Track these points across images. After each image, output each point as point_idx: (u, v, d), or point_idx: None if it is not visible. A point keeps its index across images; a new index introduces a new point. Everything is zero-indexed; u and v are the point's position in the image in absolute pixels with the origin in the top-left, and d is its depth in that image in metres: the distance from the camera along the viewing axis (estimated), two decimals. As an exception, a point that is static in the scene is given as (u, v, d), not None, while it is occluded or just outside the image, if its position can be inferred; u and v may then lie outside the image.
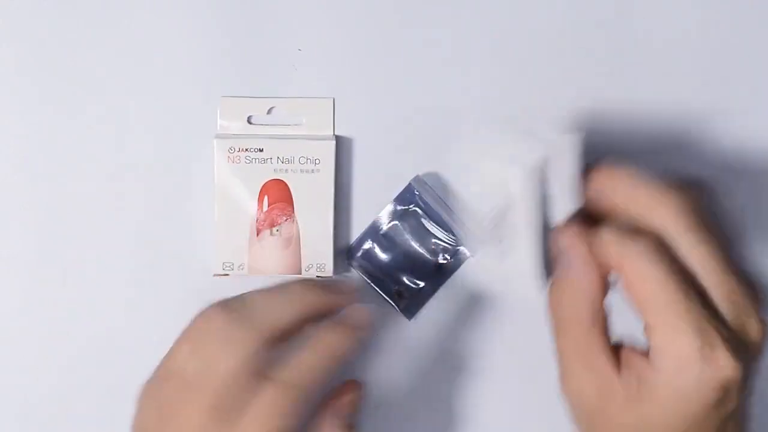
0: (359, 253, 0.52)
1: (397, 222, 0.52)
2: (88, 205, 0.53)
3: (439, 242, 0.52)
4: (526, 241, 0.43)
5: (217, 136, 0.52)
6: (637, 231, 0.41)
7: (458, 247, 0.52)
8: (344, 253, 0.53)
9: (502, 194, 0.43)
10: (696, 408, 0.40)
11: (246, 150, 0.52)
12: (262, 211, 0.52)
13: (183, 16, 0.52)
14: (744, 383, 0.40)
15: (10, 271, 0.53)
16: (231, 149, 0.51)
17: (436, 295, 0.53)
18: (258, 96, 0.53)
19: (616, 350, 0.42)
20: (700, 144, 0.53)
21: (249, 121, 0.52)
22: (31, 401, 0.53)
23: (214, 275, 0.51)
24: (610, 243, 0.41)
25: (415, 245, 0.52)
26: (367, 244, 0.52)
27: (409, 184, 0.52)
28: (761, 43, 0.53)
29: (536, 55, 0.53)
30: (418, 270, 0.52)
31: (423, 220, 0.52)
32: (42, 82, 0.52)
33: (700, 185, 0.43)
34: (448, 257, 0.52)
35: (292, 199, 0.52)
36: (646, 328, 0.41)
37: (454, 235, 0.52)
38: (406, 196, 0.52)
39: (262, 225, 0.52)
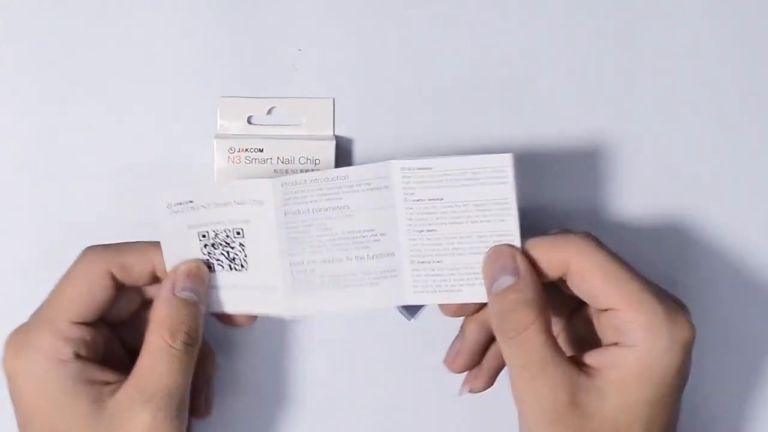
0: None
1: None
2: (88, 205, 0.53)
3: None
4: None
5: (217, 136, 0.52)
6: (573, 232, 0.45)
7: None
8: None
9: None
10: (668, 373, 0.42)
11: (246, 150, 0.52)
12: (262, 211, 0.52)
13: (183, 16, 0.52)
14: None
15: (10, 271, 0.53)
16: (231, 149, 0.51)
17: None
18: (258, 96, 0.53)
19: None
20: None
21: (249, 121, 0.52)
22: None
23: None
24: (551, 245, 0.44)
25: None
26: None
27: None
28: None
29: (537, 59, 0.53)
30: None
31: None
32: (42, 82, 0.52)
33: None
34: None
35: (292, 199, 0.52)
36: (606, 314, 0.43)
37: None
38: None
39: (262, 225, 0.52)
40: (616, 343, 0.43)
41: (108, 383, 0.45)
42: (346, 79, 0.53)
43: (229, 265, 0.46)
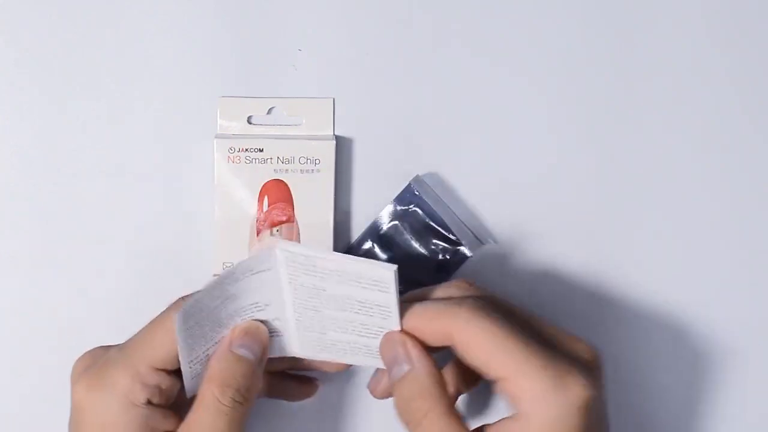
0: (359, 253, 0.52)
1: (397, 222, 0.52)
2: (87, 205, 0.53)
3: (439, 242, 0.52)
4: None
5: (217, 136, 0.52)
6: (457, 298, 0.44)
7: (458, 247, 0.52)
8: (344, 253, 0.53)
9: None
10: None
11: (246, 150, 0.52)
12: (262, 211, 0.52)
13: (183, 16, 0.52)
14: (600, 398, 0.42)
15: (10, 271, 0.53)
16: (231, 149, 0.51)
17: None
18: (258, 96, 0.53)
19: None
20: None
21: (249, 121, 0.52)
22: (31, 401, 0.53)
23: (214, 275, 0.51)
24: (434, 315, 0.43)
25: (415, 245, 0.52)
26: (367, 244, 0.52)
27: (409, 184, 0.52)
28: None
29: (540, 54, 0.53)
30: (418, 270, 0.52)
31: (423, 220, 0.52)
32: (42, 81, 0.52)
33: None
34: (448, 257, 0.52)
35: (292, 199, 0.52)
36: (498, 384, 0.42)
37: (454, 234, 0.51)
38: (406, 196, 0.52)
39: (262, 225, 0.52)
40: (512, 416, 0.41)
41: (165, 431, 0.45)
42: (346, 79, 0.53)
43: None
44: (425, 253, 0.52)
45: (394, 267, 0.42)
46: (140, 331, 0.46)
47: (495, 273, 0.53)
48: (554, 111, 0.53)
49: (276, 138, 0.52)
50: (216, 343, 0.45)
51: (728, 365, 0.54)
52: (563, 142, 0.53)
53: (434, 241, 0.52)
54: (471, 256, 0.51)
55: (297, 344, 0.47)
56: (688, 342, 0.54)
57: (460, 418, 0.42)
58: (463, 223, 0.52)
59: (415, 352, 0.43)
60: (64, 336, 0.52)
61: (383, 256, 0.52)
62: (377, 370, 0.48)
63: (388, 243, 0.52)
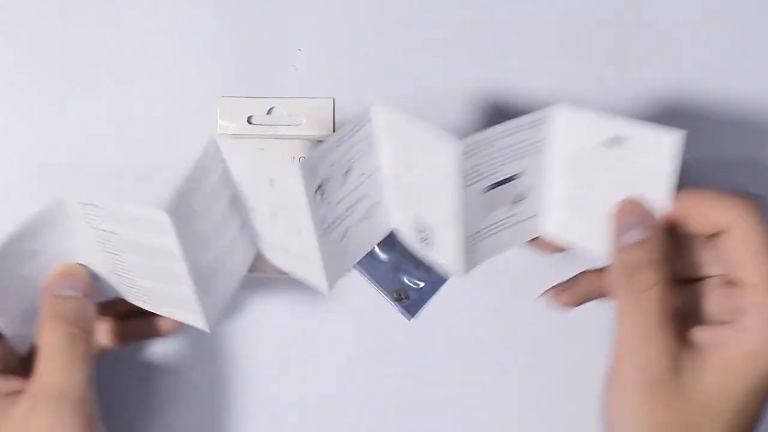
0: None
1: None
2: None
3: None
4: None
5: (217, 137, 0.52)
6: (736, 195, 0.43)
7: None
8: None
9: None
10: None
11: (246, 150, 0.51)
12: (262, 211, 0.52)
13: (183, 16, 0.53)
14: None
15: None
16: (231, 149, 0.51)
17: (437, 295, 0.53)
18: (258, 96, 0.53)
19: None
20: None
21: (249, 121, 0.52)
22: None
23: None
24: (713, 200, 0.42)
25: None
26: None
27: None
28: None
29: (540, 55, 0.53)
30: (418, 270, 0.52)
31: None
32: (41, 81, 0.52)
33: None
34: (449, 257, 0.52)
35: (292, 199, 0.52)
36: (734, 291, 0.41)
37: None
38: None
39: (262, 225, 0.52)
40: (727, 323, 0.41)
41: (13, 392, 0.44)
42: (346, 79, 0.53)
43: None
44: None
45: (167, 208, 0.41)
46: None
47: (496, 273, 0.53)
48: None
49: (276, 138, 0.52)
50: (31, 299, 0.46)
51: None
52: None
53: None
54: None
55: (118, 289, 0.47)
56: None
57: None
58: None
59: (657, 223, 0.42)
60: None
61: (384, 255, 0.52)
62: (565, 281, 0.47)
63: (388, 242, 0.52)
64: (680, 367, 0.41)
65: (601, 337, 0.52)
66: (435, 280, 0.52)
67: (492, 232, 0.45)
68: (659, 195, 0.42)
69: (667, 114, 0.52)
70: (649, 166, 0.42)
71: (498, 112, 0.53)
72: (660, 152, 0.41)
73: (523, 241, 0.47)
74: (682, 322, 0.43)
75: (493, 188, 0.44)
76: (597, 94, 0.52)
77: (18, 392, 0.44)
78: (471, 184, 0.42)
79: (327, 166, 0.42)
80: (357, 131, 0.43)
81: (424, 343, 0.53)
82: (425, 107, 0.53)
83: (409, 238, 0.47)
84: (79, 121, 0.52)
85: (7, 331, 0.46)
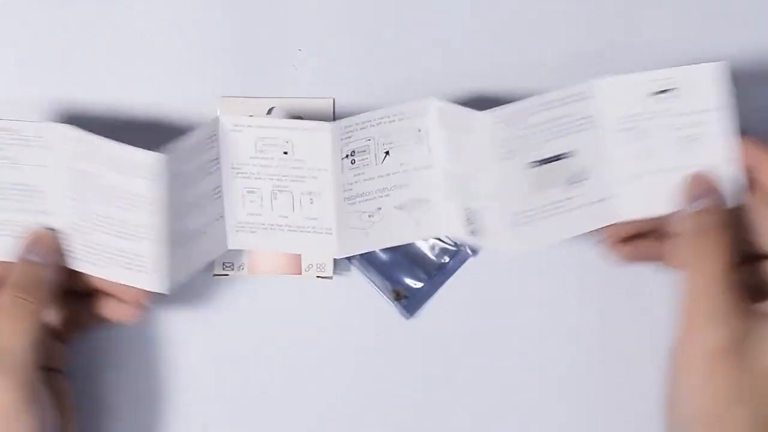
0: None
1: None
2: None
3: (439, 242, 0.52)
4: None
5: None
6: None
7: (458, 248, 0.52)
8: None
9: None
10: None
11: (246, 150, 0.52)
12: (261, 210, 0.52)
13: (183, 16, 0.52)
14: None
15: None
16: (231, 149, 0.51)
17: (436, 295, 0.53)
18: (258, 96, 0.53)
19: None
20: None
21: (249, 121, 0.53)
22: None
23: (214, 275, 0.51)
24: None
25: (417, 244, 0.52)
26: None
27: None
28: None
29: (540, 52, 0.53)
30: (418, 269, 0.52)
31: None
32: (41, 81, 0.52)
33: None
34: (448, 257, 0.52)
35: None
36: None
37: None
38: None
39: (262, 225, 0.52)
40: None
41: None
42: (346, 79, 0.53)
43: None
44: (425, 253, 0.52)
45: (161, 155, 0.42)
46: None
47: (497, 275, 0.53)
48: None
49: (276, 138, 0.52)
50: None
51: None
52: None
53: (434, 241, 0.52)
54: (472, 256, 0.51)
55: (68, 250, 0.48)
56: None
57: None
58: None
59: (722, 195, 0.44)
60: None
61: (383, 255, 0.52)
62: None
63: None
64: (746, 338, 0.41)
65: (594, 338, 0.53)
66: (434, 280, 0.52)
67: (550, 213, 0.45)
68: (721, 138, 0.42)
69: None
70: (703, 107, 0.42)
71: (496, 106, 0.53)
72: (708, 88, 0.41)
73: (594, 227, 0.46)
74: (751, 296, 0.44)
75: (541, 165, 0.43)
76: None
77: None
78: (510, 158, 0.42)
79: (362, 138, 0.42)
80: (405, 119, 0.43)
81: (424, 343, 0.53)
82: (425, 107, 0.53)
83: (460, 234, 0.46)
84: (79, 121, 0.52)
85: None
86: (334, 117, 0.52)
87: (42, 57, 0.52)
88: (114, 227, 0.45)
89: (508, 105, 0.41)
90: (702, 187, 0.44)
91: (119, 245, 0.45)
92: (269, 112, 0.53)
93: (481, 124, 0.40)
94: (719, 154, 0.43)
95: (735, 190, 0.44)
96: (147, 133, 0.52)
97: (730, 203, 0.44)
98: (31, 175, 0.46)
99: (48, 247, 0.47)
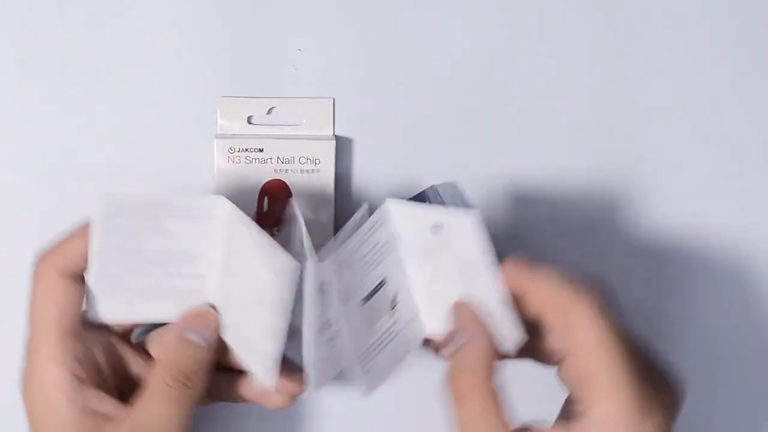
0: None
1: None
2: (88, 205, 0.52)
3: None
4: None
5: (217, 136, 0.52)
6: (579, 284, 0.42)
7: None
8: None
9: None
10: None
11: (246, 150, 0.51)
12: (262, 211, 0.52)
13: (183, 16, 0.52)
14: None
15: (10, 271, 0.53)
16: (231, 149, 0.51)
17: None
18: (258, 96, 0.52)
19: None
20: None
21: (249, 121, 0.52)
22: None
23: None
24: (557, 288, 0.42)
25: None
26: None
27: (424, 191, 0.51)
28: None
29: (542, 53, 0.53)
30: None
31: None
32: (42, 81, 0.52)
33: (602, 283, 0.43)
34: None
35: (292, 199, 0.52)
36: (582, 380, 0.41)
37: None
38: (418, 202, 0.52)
39: (262, 225, 0.52)
40: (570, 420, 0.41)
41: (108, 418, 0.43)
42: (346, 79, 0.53)
43: None
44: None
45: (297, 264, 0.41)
46: (28, 314, 0.45)
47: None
48: (556, 111, 0.53)
49: (276, 138, 0.52)
50: (135, 270, 0.44)
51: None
52: (564, 144, 0.53)
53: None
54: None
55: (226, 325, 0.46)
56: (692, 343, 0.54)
57: (504, 406, 0.42)
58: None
59: (479, 325, 0.43)
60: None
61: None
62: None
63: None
64: None
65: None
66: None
67: (384, 345, 0.45)
68: (489, 279, 0.42)
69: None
70: (468, 249, 0.42)
71: (497, 113, 0.53)
72: (468, 234, 0.42)
73: (414, 348, 0.46)
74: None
75: (368, 299, 0.45)
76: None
77: (109, 418, 0.43)
78: (348, 300, 0.44)
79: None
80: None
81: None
82: (425, 107, 0.53)
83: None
84: (79, 121, 0.52)
85: (123, 314, 0.44)
86: (334, 117, 0.53)
87: (42, 57, 0.52)
88: (252, 315, 0.44)
89: (341, 246, 0.42)
90: (462, 322, 0.43)
91: (250, 333, 0.44)
92: (269, 112, 0.53)
93: (327, 271, 0.42)
94: (491, 294, 0.43)
95: (508, 329, 0.43)
96: (147, 133, 0.53)
97: (504, 342, 0.43)
98: (189, 245, 0.45)
99: (208, 327, 0.45)
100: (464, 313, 0.44)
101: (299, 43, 0.53)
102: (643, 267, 0.53)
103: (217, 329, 0.45)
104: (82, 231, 0.44)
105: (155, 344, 0.46)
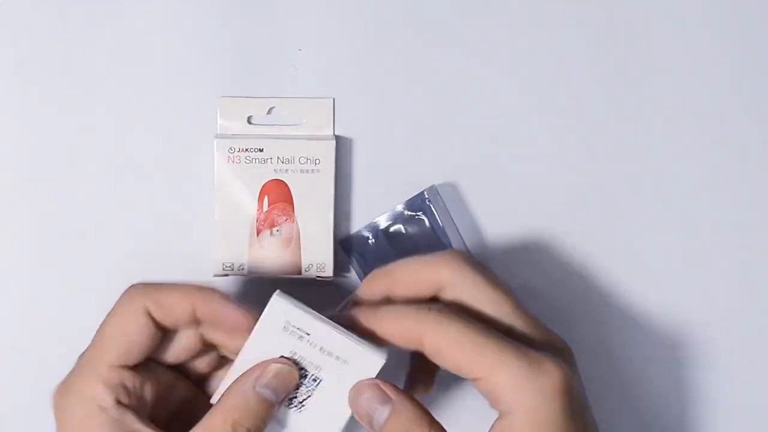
0: (358, 249, 0.52)
1: (401, 225, 0.52)
2: (88, 205, 0.53)
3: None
4: None
5: (217, 136, 0.52)
6: (422, 303, 0.43)
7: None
8: (341, 245, 0.52)
9: None
10: (556, 425, 0.40)
11: (246, 150, 0.51)
12: (262, 211, 0.52)
13: (183, 16, 0.52)
14: (579, 385, 0.42)
15: (10, 271, 0.53)
16: (231, 149, 0.51)
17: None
18: (258, 96, 0.52)
19: None
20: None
21: (249, 121, 0.52)
22: (30, 401, 0.53)
23: (214, 276, 0.51)
24: (405, 320, 0.42)
25: (414, 252, 0.52)
26: (368, 237, 0.52)
27: (422, 192, 0.51)
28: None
29: (542, 53, 0.53)
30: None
31: (427, 231, 0.51)
32: (42, 81, 0.52)
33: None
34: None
35: (292, 199, 0.52)
36: (477, 386, 0.41)
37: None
38: (417, 203, 0.51)
39: (262, 225, 0.52)
40: (498, 414, 0.41)
41: None
42: (346, 79, 0.53)
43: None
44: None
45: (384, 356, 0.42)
46: (97, 330, 0.44)
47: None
48: (556, 111, 0.53)
49: (276, 138, 0.52)
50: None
51: (722, 364, 0.54)
52: (564, 144, 0.53)
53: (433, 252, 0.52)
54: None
55: None
56: (683, 341, 0.54)
57: None
58: (463, 240, 0.52)
59: (391, 389, 0.42)
60: (63, 335, 0.52)
61: (384, 256, 0.52)
62: None
63: (389, 243, 0.52)
64: None
65: (602, 337, 0.52)
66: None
67: None
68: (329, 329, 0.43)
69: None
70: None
71: (497, 113, 0.53)
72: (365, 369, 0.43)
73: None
74: None
75: (301, 403, 0.44)
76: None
77: None
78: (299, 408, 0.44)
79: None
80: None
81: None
82: (425, 107, 0.53)
83: None
84: (79, 121, 0.52)
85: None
86: (334, 117, 0.52)
87: (42, 57, 0.52)
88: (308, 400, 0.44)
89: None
90: (367, 398, 0.43)
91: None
92: (269, 112, 0.53)
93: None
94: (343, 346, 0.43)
95: (366, 360, 0.43)
96: (147, 133, 0.53)
97: (368, 371, 0.43)
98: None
99: (284, 387, 0.43)
100: (374, 386, 0.43)
101: (299, 43, 0.53)
102: (643, 267, 0.53)
103: (290, 388, 0.43)
104: (188, 291, 0.44)
105: (221, 387, 0.44)
